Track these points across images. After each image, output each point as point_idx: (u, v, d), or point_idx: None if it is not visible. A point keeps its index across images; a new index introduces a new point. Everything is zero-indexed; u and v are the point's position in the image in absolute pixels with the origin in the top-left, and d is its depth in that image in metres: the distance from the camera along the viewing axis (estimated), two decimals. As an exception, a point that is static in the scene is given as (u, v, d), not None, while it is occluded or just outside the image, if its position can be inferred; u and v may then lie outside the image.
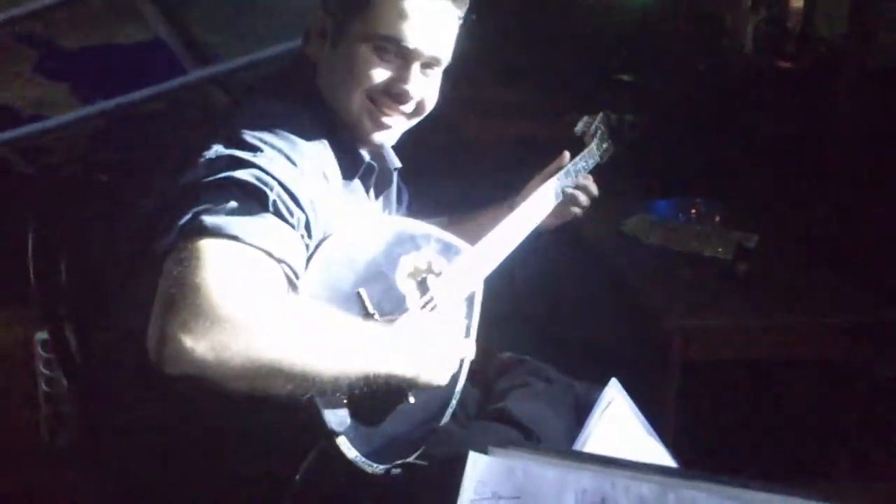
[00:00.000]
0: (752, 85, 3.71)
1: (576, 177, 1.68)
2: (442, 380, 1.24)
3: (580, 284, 2.69)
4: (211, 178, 1.07)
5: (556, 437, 1.44)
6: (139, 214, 1.16)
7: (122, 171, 1.64)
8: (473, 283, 1.42)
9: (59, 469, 2.22)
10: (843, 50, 3.49)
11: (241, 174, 1.07)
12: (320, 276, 1.14)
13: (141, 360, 0.97)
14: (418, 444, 1.31)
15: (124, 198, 1.38)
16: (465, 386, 1.41)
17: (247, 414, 1.07)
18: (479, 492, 0.91)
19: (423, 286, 1.30)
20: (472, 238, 1.43)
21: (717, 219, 2.69)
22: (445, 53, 1.33)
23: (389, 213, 1.51)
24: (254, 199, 1.06)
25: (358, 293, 1.18)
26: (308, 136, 1.21)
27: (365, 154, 1.36)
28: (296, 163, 1.14)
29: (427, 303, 1.30)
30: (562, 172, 1.65)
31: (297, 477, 1.13)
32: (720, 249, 2.46)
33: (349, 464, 1.16)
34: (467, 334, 1.42)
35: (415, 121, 1.39)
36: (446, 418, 1.38)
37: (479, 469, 0.93)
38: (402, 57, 1.29)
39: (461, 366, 1.35)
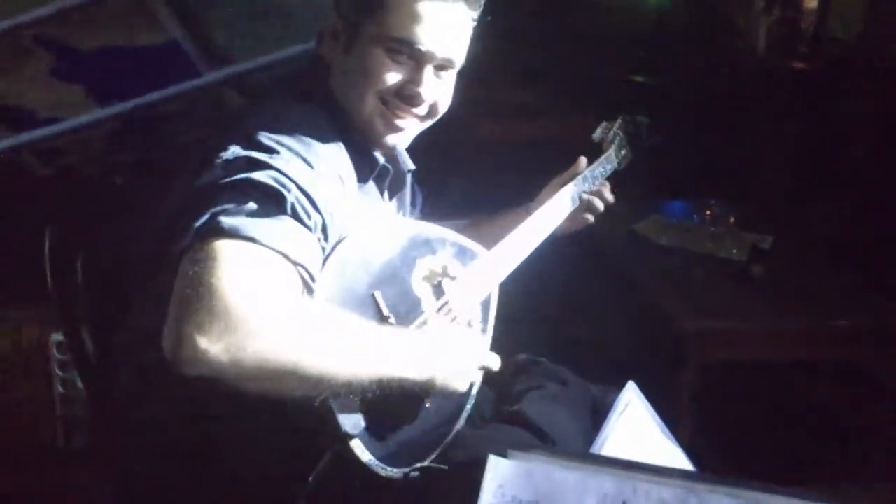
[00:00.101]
0: (765, 86, 3.69)
1: (593, 183, 1.67)
2: (460, 386, 1.23)
3: (594, 286, 2.68)
4: (228, 180, 1.07)
5: (572, 440, 1.43)
6: (156, 216, 1.17)
7: (138, 173, 1.64)
8: (489, 287, 1.41)
9: (75, 471, 2.23)
10: (858, 51, 3.47)
11: (258, 176, 1.07)
12: (336, 279, 1.14)
13: (157, 361, 0.97)
14: (433, 448, 1.31)
15: (140, 199, 1.38)
16: (480, 387, 1.40)
17: (262, 416, 1.07)
18: (499, 495, 0.91)
19: (438, 290, 1.30)
20: (488, 242, 1.43)
21: (732, 220, 2.68)
22: (459, 56, 1.33)
23: (403, 215, 1.51)
24: (272, 201, 1.06)
25: (373, 296, 1.18)
26: (323, 137, 1.21)
27: (379, 156, 1.36)
28: (312, 165, 1.14)
29: (442, 307, 1.29)
30: (579, 178, 1.64)
31: (311, 479, 1.12)
32: (735, 251, 2.45)
33: (363, 467, 1.16)
34: (483, 335, 1.41)
35: (428, 123, 1.38)
36: (461, 422, 1.37)
37: (499, 472, 0.92)
38: (415, 59, 1.29)
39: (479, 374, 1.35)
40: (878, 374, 2.32)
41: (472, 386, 1.35)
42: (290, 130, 1.17)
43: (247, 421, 1.09)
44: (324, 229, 1.13)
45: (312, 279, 1.08)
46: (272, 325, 0.96)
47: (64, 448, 2.38)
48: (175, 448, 1.19)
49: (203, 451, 1.16)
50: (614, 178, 1.75)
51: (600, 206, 1.67)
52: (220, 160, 1.10)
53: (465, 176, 2.87)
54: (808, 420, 2.58)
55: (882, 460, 2.29)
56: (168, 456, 1.20)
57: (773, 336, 2.20)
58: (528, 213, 1.55)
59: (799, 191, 3.38)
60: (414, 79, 1.29)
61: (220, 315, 0.93)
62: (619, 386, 1.41)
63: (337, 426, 1.11)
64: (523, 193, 1.66)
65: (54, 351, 2.31)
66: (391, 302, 1.20)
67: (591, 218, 1.68)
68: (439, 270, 1.31)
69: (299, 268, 1.05)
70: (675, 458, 1.33)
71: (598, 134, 1.79)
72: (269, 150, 1.12)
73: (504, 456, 0.95)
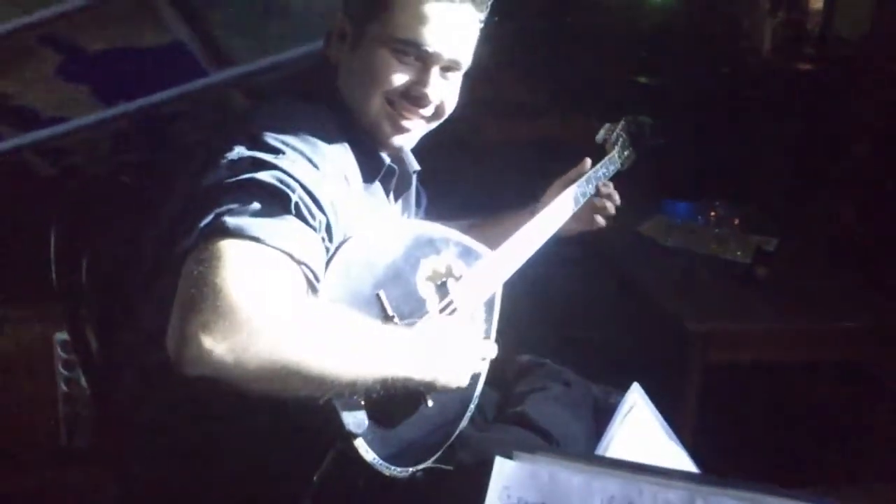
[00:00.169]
0: (770, 87, 3.69)
1: (596, 184, 1.67)
2: (460, 383, 1.23)
3: (598, 287, 2.68)
4: (233, 180, 1.07)
5: (575, 441, 1.43)
6: (161, 216, 1.17)
7: (143, 173, 1.64)
8: (493, 287, 1.41)
9: (78, 470, 2.23)
10: (864, 52, 3.47)
11: (263, 176, 1.07)
12: (340, 279, 1.14)
13: (161, 361, 0.97)
14: (437, 448, 1.31)
15: (146, 199, 1.38)
16: (483, 388, 1.41)
17: (265, 415, 1.07)
18: (505, 497, 0.91)
19: (442, 290, 1.30)
20: (492, 242, 1.43)
21: (736, 222, 2.68)
22: (466, 57, 1.33)
23: (408, 215, 1.51)
24: (276, 201, 1.06)
25: (378, 296, 1.18)
26: (329, 138, 1.21)
27: (385, 157, 1.36)
28: (317, 165, 1.14)
29: (446, 306, 1.30)
30: (583, 179, 1.64)
31: (315, 478, 1.12)
32: (739, 253, 2.45)
33: (367, 466, 1.16)
34: (487, 338, 1.41)
35: (434, 124, 1.38)
36: (465, 422, 1.37)
37: (505, 474, 0.92)
38: (421, 60, 1.29)
39: (481, 368, 1.35)
40: (879, 375, 2.32)
41: (475, 385, 1.35)
42: (296, 131, 1.17)
43: (250, 421, 1.09)
44: (328, 229, 1.13)
45: (317, 279, 1.08)
46: (277, 325, 0.96)
47: (66, 447, 2.38)
48: (178, 448, 1.19)
49: (206, 451, 1.16)
50: (618, 180, 1.75)
51: (612, 209, 1.68)
52: (224, 160, 1.10)
53: (469, 176, 2.87)
54: (810, 420, 2.57)
55: (883, 460, 2.29)
56: (171, 456, 1.20)
57: (777, 337, 2.21)
58: (533, 214, 1.55)
59: (803, 192, 3.38)
60: (420, 80, 1.29)
61: (224, 314, 0.93)
62: (623, 387, 1.41)
63: (341, 425, 1.11)
64: (528, 194, 1.66)
65: (58, 350, 2.31)
66: (396, 302, 1.20)
67: (602, 222, 1.68)
68: (443, 270, 1.31)
69: (304, 267, 1.05)
70: (680, 459, 1.33)
71: (601, 135, 1.80)
72: (274, 151, 1.12)
73: (510, 457, 0.95)
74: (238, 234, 1.00)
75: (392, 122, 1.32)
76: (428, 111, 1.33)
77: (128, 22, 2.21)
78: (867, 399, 2.38)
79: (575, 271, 2.46)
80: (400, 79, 1.29)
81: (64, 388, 2.34)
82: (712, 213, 2.72)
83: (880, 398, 2.32)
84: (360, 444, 1.14)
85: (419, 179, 1.55)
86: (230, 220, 1.01)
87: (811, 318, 2.21)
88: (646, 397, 1.36)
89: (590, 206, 1.67)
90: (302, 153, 1.14)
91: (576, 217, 1.63)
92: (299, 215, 1.07)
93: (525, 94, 3.60)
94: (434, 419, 1.28)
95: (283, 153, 1.11)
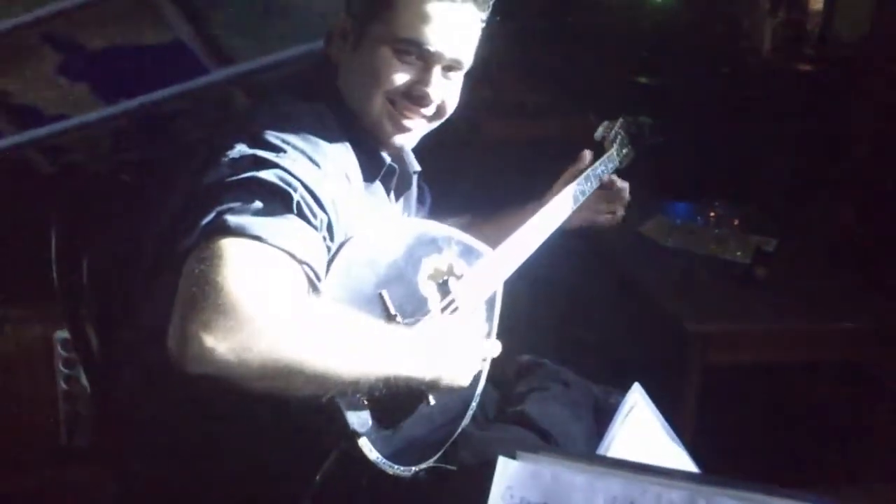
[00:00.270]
0: (770, 87, 3.69)
1: (595, 181, 1.67)
2: (463, 382, 1.23)
3: (598, 287, 2.68)
4: (234, 178, 1.07)
5: (575, 441, 1.44)
6: (162, 214, 1.17)
7: (145, 171, 1.64)
8: (494, 285, 1.41)
9: (77, 469, 2.23)
10: (864, 52, 3.47)
11: (264, 174, 1.07)
12: (342, 278, 1.14)
13: (162, 359, 0.97)
14: (440, 446, 1.31)
15: (146, 197, 1.38)
16: (485, 387, 1.41)
17: (268, 414, 1.07)
18: (508, 497, 0.91)
19: (444, 288, 1.30)
20: (493, 240, 1.43)
21: (736, 222, 2.68)
22: (467, 56, 1.33)
23: (409, 215, 1.51)
24: (278, 200, 1.06)
25: (380, 295, 1.18)
26: (330, 137, 1.21)
27: (386, 156, 1.36)
28: (318, 164, 1.14)
29: (448, 305, 1.30)
30: (581, 177, 1.64)
31: (318, 477, 1.12)
32: (739, 253, 2.45)
33: (371, 465, 1.16)
34: (488, 336, 1.41)
35: (435, 124, 1.38)
36: (467, 420, 1.38)
37: (508, 474, 0.92)
38: (423, 60, 1.29)
39: (483, 367, 1.35)
40: (879, 375, 2.32)
41: (477, 384, 1.35)
42: (297, 129, 1.17)
43: (251, 420, 1.09)
44: (329, 228, 1.13)
45: (318, 278, 1.08)
46: (278, 324, 0.96)
47: (66, 446, 2.38)
48: (178, 447, 1.19)
49: (207, 450, 1.16)
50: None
51: (621, 210, 1.70)
52: (226, 158, 1.10)
53: (470, 176, 2.87)
54: (810, 420, 2.57)
55: (883, 460, 2.29)
56: (171, 455, 1.20)
57: (777, 338, 2.21)
58: (533, 211, 1.55)
59: (803, 193, 3.38)
60: (422, 79, 1.29)
61: (226, 313, 0.93)
62: (623, 387, 1.41)
63: (345, 424, 1.11)
64: (529, 193, 1.66)
65: (59, 348, 2.30)
66: (398, 301, 1.20)
67: (604, 220, 1.69)
68: (445, 269, 1.31)
69: (305, 266, 1.05)
70: (680, 459, 1.33)
71: (599, 133, 1.80)
72: (276, 149, 1.11)
73: (513, 457, 0.95)
74: (240, 232, 1.00)
75: (393, 122, 1.32)
76: (429, 111, 1.33)
77: (128, 20, 2.21)
78: (867, 399, 2.38)
79: (575, 272, 2.46)
80: (401, 78, 1.29)
81: (64, 386, 2.33)
82: (712, 214, 2.72)
83: (880, 398, 2.32)
84: (364, 444, 1.14)
85: (423, 178, 1.55)
86: (232, 219, 1.01)
87: (811, 318, 2.21)
88: (647, 397, 1.36)
89: (591, 204, 1.67)
90: (303, 152, 1.14)
91: (577, 215, 1.63)
92: (301, 214, 1.07)
93: (525, 93, 3.60)
94: (436, 418, 1.29)
95: (285, 152, 1.11)
